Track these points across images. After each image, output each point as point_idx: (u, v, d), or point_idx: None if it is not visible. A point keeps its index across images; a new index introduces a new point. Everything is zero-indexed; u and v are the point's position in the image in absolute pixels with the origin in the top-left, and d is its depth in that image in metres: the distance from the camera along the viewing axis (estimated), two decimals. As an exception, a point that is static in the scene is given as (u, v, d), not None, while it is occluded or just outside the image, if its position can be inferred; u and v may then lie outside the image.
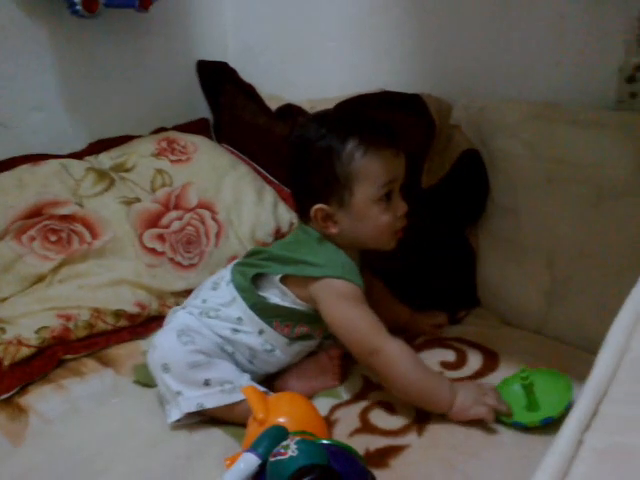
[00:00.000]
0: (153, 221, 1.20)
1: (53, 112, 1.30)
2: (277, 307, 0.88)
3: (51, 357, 0.99)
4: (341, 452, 0.64)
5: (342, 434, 0.80)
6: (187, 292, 1.10)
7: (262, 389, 0.83)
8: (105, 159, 1.28)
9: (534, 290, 1.00)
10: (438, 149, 1.14)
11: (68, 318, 1.03)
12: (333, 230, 0.88)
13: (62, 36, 1.28)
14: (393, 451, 0.76)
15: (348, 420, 0.83)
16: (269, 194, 1.34)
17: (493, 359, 0.93)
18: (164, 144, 1.33)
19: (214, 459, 0.78)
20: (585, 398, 0.40)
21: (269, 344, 0.90)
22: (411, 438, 0.78)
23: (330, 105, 1.23)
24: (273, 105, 1.40)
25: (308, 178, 0.88)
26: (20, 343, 0.97)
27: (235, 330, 0.89)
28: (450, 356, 0.95)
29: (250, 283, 0.89)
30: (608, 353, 0.43)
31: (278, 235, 1.29)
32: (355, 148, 0.84)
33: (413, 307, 1.06)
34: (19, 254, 1.08)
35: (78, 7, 1.18)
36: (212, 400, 0.83)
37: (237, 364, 0.90)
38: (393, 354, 0.80)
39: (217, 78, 1.54)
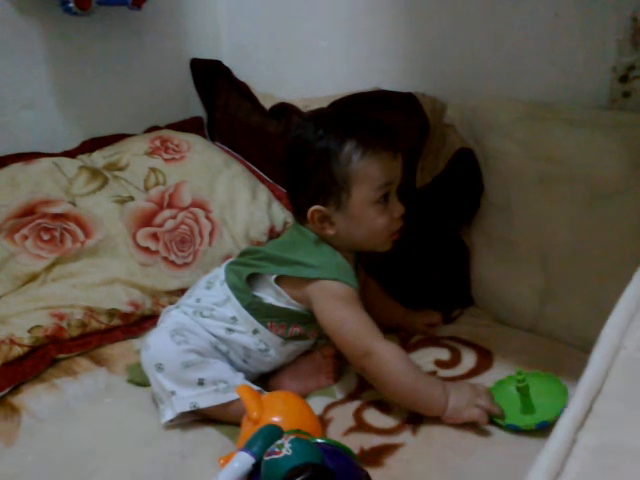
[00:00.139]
0: (147, 220, 1.19)
1: (45, 110, 1.30)
2: (272, 307, 0.88)
3: (44, 356, 0.98)
4: (335, 451, 0.64)
5: (336, 433, 0.80)
6: (181, 291, 1.10)
7: (256, 388, 0.83)
8: (98, 158, 1.28)
9: (527, 289, 1.01)
10: (432, 148, 1.14)
11: (61, 317, 1.03)
12: (330, 231, 0.88)
13: (54, 34, 1.27)
14: (387, 450, 0.76)
15: (342, 419, 0.83)
16: (263, 193, 1.34)
17: (487, 358, 0.93)
18: (157, 143, 1.33)
19: (208, 458, 0.78)
20: (579, 396, 0.40)
21: (263, 344, 0.90)
22: (405, 437, 0.78)
23: (324, 104, 1.23)
24: (267, 104, 1.40)
25: (305, 179, 0.88)
26: (13, 342, 0.96)
27: (229, 330, 0.89)
28: (444, 355, 0.95)
29: (245, 283, 0.89)
30: (601, 351, 0.43)
31: (272, 234, 1.28)
32: (353, 150, 0.84)
33: (407, 306, 1.06)
34: (12, 253, 1.07)
35: (70, 4, 1.17)
36: (206, 400, 0.83)
37: (231, 363, 0.89)
38: (385, 357, 0.80)
39: (211, 76, 1.54)
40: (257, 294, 0.89)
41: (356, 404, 0.86)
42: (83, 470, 0.79)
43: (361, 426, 0.81)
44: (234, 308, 0.89)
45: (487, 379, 0.87)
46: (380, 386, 0.83)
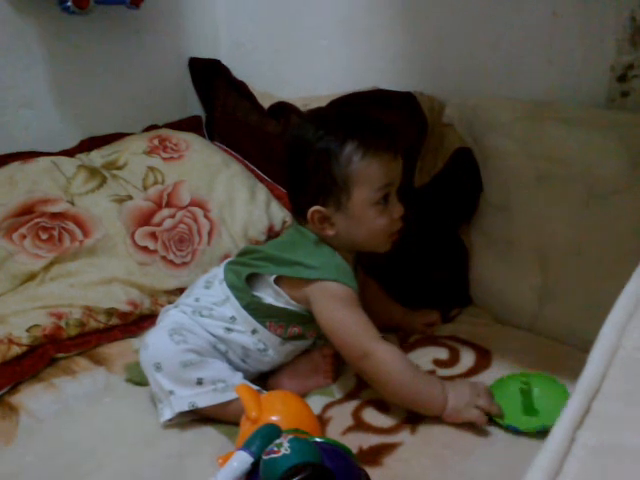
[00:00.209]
0: (145, 219, 1.19)
1: (43, 109, 1.29)
2: (271, 307, 0.88)
3: (42, 356, 0.98)
4: (334, 450, 0.64)
5: (335, 432, 0.80)
6: (179, 290, 1.10)
7: (255, 388, 0.83)
8: (96, 157, 1.28)
9: (526, 288, 1.01)
10: (430, 147, 1.14)
11: (60, 316, 1.03)
12: (329, 232, 0.88)
13: (52, 33, 1.27)
14: (386, 449, 0.76)
15: (341, 418, 0.83)
16: (262, 192, 1.33)
17: (486, 357, 0.93)
18: (156, 142, 1.33)
19: (207, 458, 0.78)
20: (577, 396, 0.40)
21: (262, 343, 0.90)
22: (404, 436, 0.78)
23: (323, 103, 1.23)
24: (265, 103, 1.40)
25: (305, 180, 0.87)
26: (11, 342, 0.96)
27: (228, 329, 0.89)
28: (443, 354, 0.96)
29: (244, 283, 0.89)
30: (600, 351, 0.43)
31: (271, 233, 1.28)
32: (353, 151, 0.84)
33: (406, 305, 1.06)
34: (10, 252, 1.07)
35: (68, 3, 1.17)
36: (205, 399, 0.83)
37: (230, 363, 0.89)
38: (383, 358, 0.80)
39: (209, 76, 1.54)
40: (256, 294, 0.89)
41: (355, 403, 0.86)
42: (82, 470, 0.78)
43: (360, 425, 0.81)
44: (233, 308, 0.89)
45: (486, 378, 0.87)
46: (379, 387, 0.83)
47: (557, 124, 0.97)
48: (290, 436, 0.62)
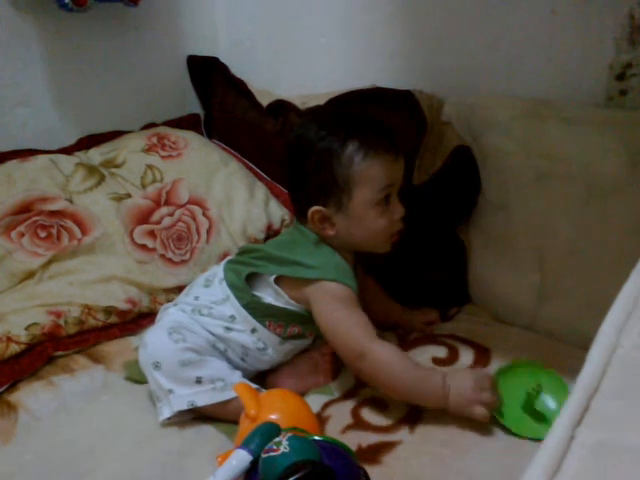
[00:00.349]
0: (144, 217, 1.19)
1: (42, 107, 1.29)
2: (270, 307, 0.88)
3: (41, 354, 0.98)
4: (333, 448, 0.64)
5: (334, 430, 0.80)
6: (178, 288, 1.10)
7: (254, 386, 0.83)
8: (95, 155, 1.27)
9: (525, 287, 1.01)
10: (429, 146, 1.14)
11: (58, 315, 1.03)
12: (330, 232, 0.88)
13: (50, 30, 1.26)
14: (385, 447, 0.76)
15: (340, 417, 0.83)
16: (260, 190, 1.33)
17: (485, 355, 0.93)
18: (154, 140, 1.32)
19: (206, 456, 0.78)
20: (576, 394, 0.40)
21: (262, 342, 0.90)
22: (403, 434, 0.78)
23: (321, 101, 1.23)
24: (264, 101, 1.39)
25: (306, 180, 0.87)
26: (10, 340, 0.96)
27: (228, 328, 0.89)
28: (442, 352, 0.96)
29: (244, 282, 0.89)
30: (599, 349, 0.43)
31: (270, 231, 1.28)
32: (355, 151, 0.84)
33: (405, 304, 1.06)
34: (8, 250, 1.07)
35: (67, 1, 1.17)
36: (204, 398, 0.83)
37: (229, 362, 0.89)
38: (379, 357, 0.80)
39: (208, 73, 1.53)
40: (256, 293, 0.89)
41: (354, 402, 0.86)
42: (80, 468, 0.78)
43: (359, 424, 0.81)
44: (233, 307, 0.89)
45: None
46: (378, 386, 0.83)
47: (556, 122, 0.97)
48: (289, 434, 0.62)
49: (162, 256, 1.16)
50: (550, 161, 0.96)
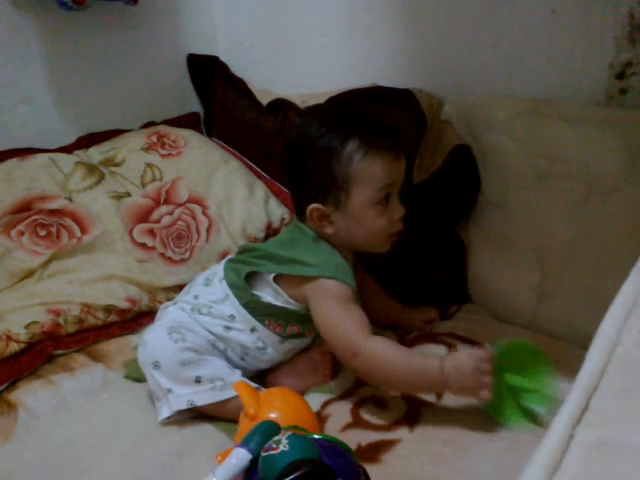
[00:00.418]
0: (143, 216, 1.19)
1: (41, 105, 1.29)
2: (270, 306, 0.88)
3: (41, 352, 0.98)
4: (332, 447, 0.64)
5: (334, 429, 0.80)
6: (178, 287, 1.10)
7: (254, 385, 0.83)
8: (94, 153, 1.27)
9: (524, 285, 1.01)
10: (429, 144, 1.14)
11: (58, 313, 1.03)
12: (328, 230, 0.88)
13: (50, 29, 1.26)
14: (384, 446, 0.76)
15: (340, 415, 0.83)
16: (260, 189, 1.33)
17: (483, 354, 0.93)
18: (154, 138, 1.32)
19: (205, 455, 0.78)
20: (576, 393, 0.40)
21: (261, 342, 0.90)
22: (402, 433, 0.78)
23: (321, 100, 1.23)
24: (264, 100, 1.39)
25: (306, 177, 0.87)
26: (9, 338, 0.96)
27: (227, 327, 0.89)
28: (441, 351, 0.96)
29: (244, 281, 0.89)
30: (598, 348, 0.43)
31: (269, 230, 1.28)
32: (355, 150, 0.84)
33: (404, 303, 1.06)
34: (8, 249, 1.07)
35: (67, -1, 1.17)
36: (203, 397, 0.83)
37: (229, 361, 0.89)
38: (372, 355, 0.79)
39: (208, 72, 1.53)
40: (255, 292, 0.89)
41: (353, 401, 0.86)
42: (80, 466, 0.78)
43: (358, 422, 0.81)
44: (232, 306, 0.89)
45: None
46: (375, 382, 0.83)
47: (556, 122, 0.97)
48: (289, 433, 0.62)
49: (162, 255, 1.16)
50: (550, 160, 0.96)
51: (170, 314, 0.91)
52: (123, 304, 1.08)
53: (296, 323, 0.89)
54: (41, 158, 1.19)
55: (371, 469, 0.68)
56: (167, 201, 1.22)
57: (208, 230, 1.22)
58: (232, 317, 0.89)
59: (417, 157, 1.13)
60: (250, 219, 1.27)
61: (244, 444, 0.64)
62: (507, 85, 1.09)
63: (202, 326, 0.89)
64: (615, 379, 0.41)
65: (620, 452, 0.36)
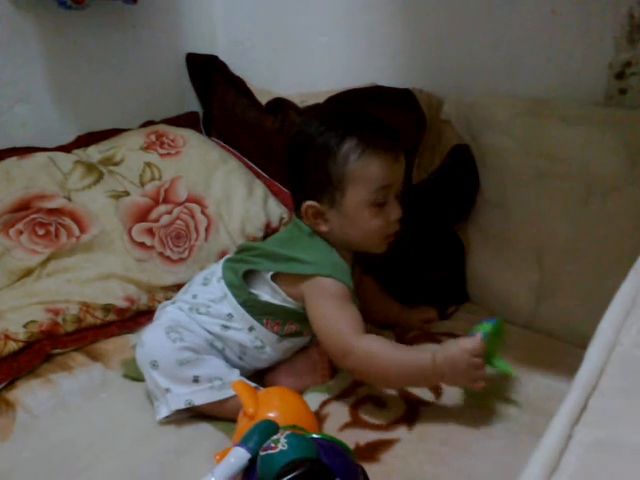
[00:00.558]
0: (142, 215, 1.19)
1: (40, 105, 1.29)
2: (267, 305, 0.88)
3: (39, 351, 0.98)
4: (331, 446, 0.64)
5: (332, 429, 0.80)
6: (176, 287, 1.10)
7: (252, 384, 0.83)
8: (93, 152, 1.27)
9: (523, 285, 1.01)
10: (428, 144, 1.14)
11: (56, 312, 1.02)
12: (323, 228, 0.88)
13: (49, 28, 1.26)
14: (383, 445, 0.76)
15: (338, 415, 0.83)
16: (259, 188, 1.33)
17: (482, 354, 0.93)
18: (153, 137, 1.32)
19: (204, 454, 0.78)
20: (575, 392, 0.40)
21: (259, 341, 0.90)
22: (401, 432, 0.78)
23: (321, 100, 1.23)
24: (263, 99, 1.39)
25: (303, 174, 0.87)
26: (8, 337, 0.96)
27: (225, 327, 0.89)
28: (440, 351, 0.95)
29: (241, 280, 0.89)
30: (597, 347, 0.43)
31: (268, 229, 1.28)
32: (351, 149, 0.83)
33: (403, 302, 1.06)
34: (7, 248, 1.07)
35: (66, -2, 1.17)
36: (201, 397, 0.83)
37: (227, 360, 0.89)
38: (363, 354, 0.79)
39: (207, 71, 1.53)
40: (253, 291, 0.89)
41: (352, 400, 0.86)
42: (78, 466, 0.78)
43: (357, 422, 0.81)
44: (230, 305, 0.89)
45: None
46: (371, 380, 0.83)
47: (555, 122, 0.97)
48: (287, 432, 0.62)
49: (160, 254, 1.16)
50: (549, 160, 0.96)
51: (168, 313, 0.91)
52: (122, 303, 1.08)
53: (294, 322, 0.89)
54: (40, 157, 1.19)
55: (370, 468, 0.68)
56: (166, 200, 1.22)
57: (207, 229, 1.22)
58: (230, 316, 0.89)
59: (416, 157, 1.13)
60: (249, 218, 1.27)
61: (243, 443, 0.64)
62: (507, 85, 1.09)
63: (200, 325, 0.89)
64: (614, 379, 0.41)
65: (619, 452, 0.36)
